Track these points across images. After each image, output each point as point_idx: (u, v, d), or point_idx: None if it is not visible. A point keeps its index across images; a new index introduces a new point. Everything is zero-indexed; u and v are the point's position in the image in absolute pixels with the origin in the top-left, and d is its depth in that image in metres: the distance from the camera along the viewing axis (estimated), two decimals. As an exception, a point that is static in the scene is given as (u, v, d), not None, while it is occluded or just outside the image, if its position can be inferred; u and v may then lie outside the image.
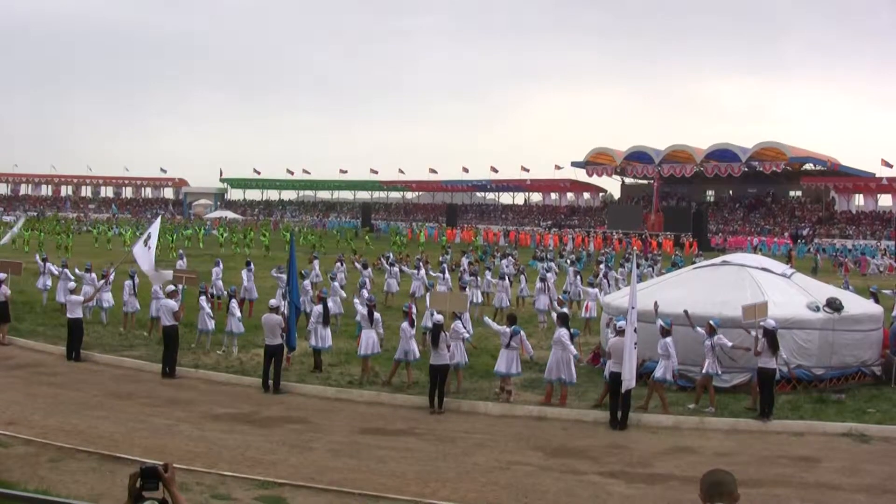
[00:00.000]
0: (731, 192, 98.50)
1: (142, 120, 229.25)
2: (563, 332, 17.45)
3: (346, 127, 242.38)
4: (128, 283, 25.90)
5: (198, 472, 12.38)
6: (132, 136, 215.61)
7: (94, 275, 27.35)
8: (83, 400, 17.44)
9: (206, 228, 79.66)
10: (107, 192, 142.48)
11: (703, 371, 17.21)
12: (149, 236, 24.30)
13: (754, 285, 19.34)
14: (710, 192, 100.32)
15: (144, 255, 24.08)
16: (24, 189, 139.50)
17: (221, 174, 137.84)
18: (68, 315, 21.86)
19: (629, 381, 15.69)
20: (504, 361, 17.74)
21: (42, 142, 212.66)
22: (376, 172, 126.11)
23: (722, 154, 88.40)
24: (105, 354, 21.74)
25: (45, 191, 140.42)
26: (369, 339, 19.57)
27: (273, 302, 20.07)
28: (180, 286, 23.56)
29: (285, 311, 19.66)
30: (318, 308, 20.76)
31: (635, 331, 15.83)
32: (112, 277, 26.49)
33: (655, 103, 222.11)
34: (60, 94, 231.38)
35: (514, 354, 17.79)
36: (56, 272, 29.72)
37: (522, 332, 18.24)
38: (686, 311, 17.86)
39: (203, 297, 22.87)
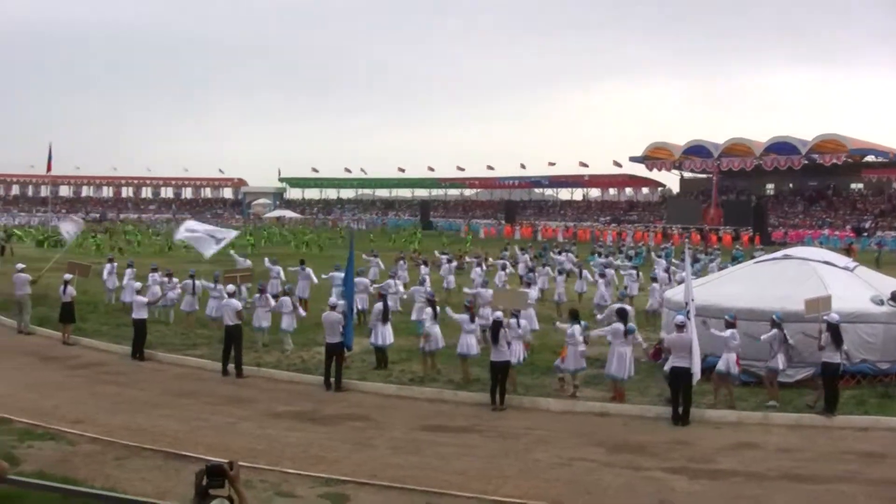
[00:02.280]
0: (791, 185, 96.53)
1: (200, 121, 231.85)
2: (618, 327, 17.47)
3: (403, 125, 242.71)
4: (187, 282, 26.37)
5: (261, 469, 12.56)
6: (191, 137, 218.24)
7: (159, 275, 27.81)
8: (147, 398, 17.78)
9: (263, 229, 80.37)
10: (166, 192, 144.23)
11: (767, 366, 17.07)
12: (219, 240, 24.98)
13: (817, 279, 19.09)
14: (769, 186, 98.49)
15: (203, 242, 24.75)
16: (85, 191, 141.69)
17: (280, 174, 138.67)
18: (133, 315, 22.29)
19: (697, 374, 15.64)
20: (571, 358, 17.73)
21: (103, 144, 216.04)
22: (434, 170, 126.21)
23: (781, 147, 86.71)
24: (168, 353, 22.12)
25: (107, 192, 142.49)
26: (433, 335, 19.70)
27: (333, 300, 20.26)
28: (244, 286, 23.90)
29: (343, 310, 19.83)
30: (379, 305, 20.89)
31: (703, 324, 15.75)
32: (178, 287, 27.06)
33: (713, 97, 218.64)
34: (120, 96, 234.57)
35: (580, 351, 17.81)
36: (108, 271, 30.62)
37: (577, 328, 18.21)
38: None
39: (259, 296, 23.08)
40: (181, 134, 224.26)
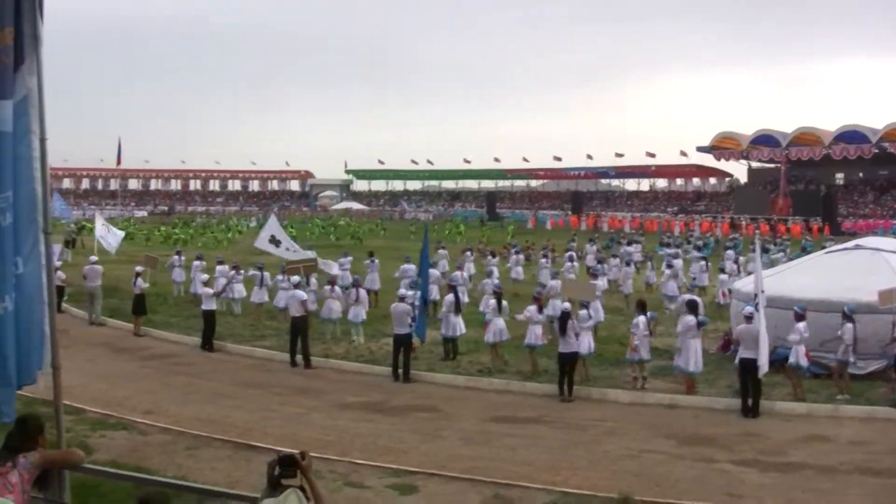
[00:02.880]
0: (861, 174, 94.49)
1: (268, 114, 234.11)
2: (689, 320, 17.26)
3: (469, 116, 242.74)
4: (255, 273, 26.61)
5: (330, 460, 12.59)
6: (258, 130, 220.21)
7: (226, 266, 28.11)
8: (216, 389, 17.98)
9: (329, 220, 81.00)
10: (234, 185, 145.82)
11: (838, 358, 16.75)
12: (272, 237, 25.18)
13: (889, 270, 18.73)
14: (839, 175, 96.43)
15: (273, 249, 25.05)
16: (153, 184, 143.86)
17: (346, 166, 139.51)
18: (202, 307, 22.58)
19: (764, 366, 15.40)
20: (638, 348, 17.60)
21: (171, 138, 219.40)
22: (500, 161, 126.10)
23: (851, 136, 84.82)
24: (237, 345, 22.36)
25: (175, 185, 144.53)
26: (497, 327, 19.63)
27: (402, 292, 20.28)
28: (311, 276, 24.04)
29: (414, 301, 19.83)
30: (450, 297, 20.88)
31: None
32: (241, 275, 27.40)
33: (781, 85, 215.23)
34: (188, 90, 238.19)
35: (646, 341, 17.67)
36: (175, 263, 31.14)
37: (643, 318, 18.06)
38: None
39: (329, 287, 23.23)
40: (249, 127, 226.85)
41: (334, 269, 27.77)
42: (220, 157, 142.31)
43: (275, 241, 27.50)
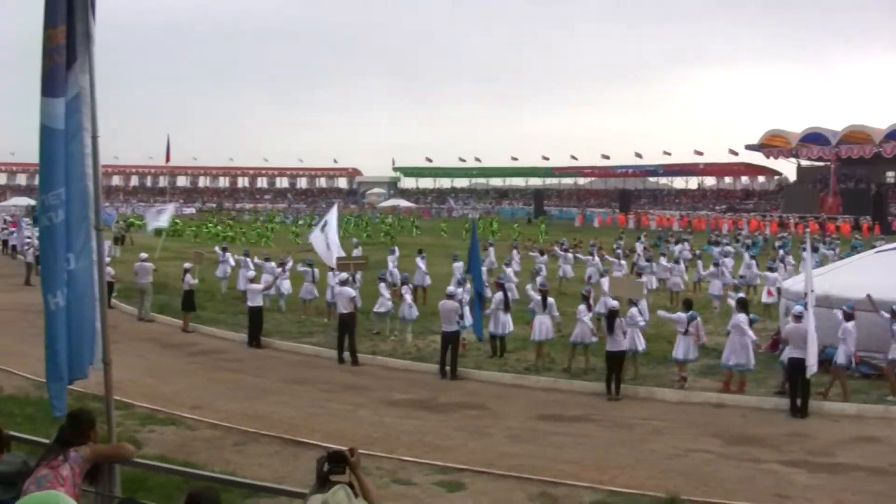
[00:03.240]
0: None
1: (315, 112, 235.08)
2: (740, 318, 17.13)
3: (516, 114, 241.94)
4: (305, 270, 26.75)
5: (377, 456, 12.64)
6: (306, 127, 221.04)
7: (272, 263, 28.29)
8: (264, 385, 18.12)
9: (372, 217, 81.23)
10: (282, 182, 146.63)
11: (890, 358, 16.51)
12: (325, 223, 25.18)
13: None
14: (890, 174, 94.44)
15: (320, 240, 25.04)
16: (202, 181, 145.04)
17: (394, 163, 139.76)
18: (248, 303, 22.74)
19: (812, 366, 15.25)
20: (681, 347, 17.58)
21: (219, 136, 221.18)
22: (548, 159, 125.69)
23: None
24: (284, 341, 22.51)
25: (223, 182, 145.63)
26: (543, 325, 19.60)
27: (450, 289, 20.29)
28: (357, 274, 24.11)
29: (464, 298, 19.85)
30: (499, 294, 20.85)
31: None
32: (289, 265, 27.52)
33: (830, 82, 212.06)
34: (234, 88, 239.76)
35: (691, 340, 17.62)
36: (231, 262, 31.32)
37: (699, 318, 18.00)
38: (869, 296, 17.29)
39: (382, 284, 23.30)
40: (295, 124, 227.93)
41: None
42: (268, 154, 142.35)
43: (323, 230, 27.70)
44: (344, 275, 22.28)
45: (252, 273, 24.85)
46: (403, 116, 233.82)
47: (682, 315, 17.72)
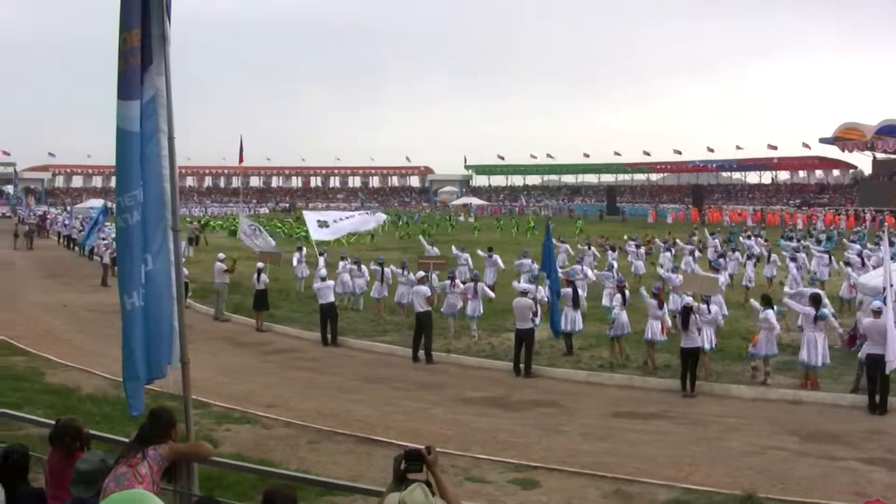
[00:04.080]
0: None
1: (386, 110, 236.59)
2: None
3: (588, 110, 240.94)
4: (375, 269, 26.92)
5: (451, 454, 12.65)
6: (377, 126, 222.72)
7: (347, 262, 28.38)
8: (338, 384, 18.27)
9: (451, 216, 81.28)
10: (354, 182, 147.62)
11: None
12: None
13: None
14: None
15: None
16: (275, 181, 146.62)
17: (466, 161, 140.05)
18: (320, 301, 22.92)
19: (892, 361, 14.95)
20: (763, 343, 17.39)
21: (291, 136, 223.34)
22: (620, 155, 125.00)
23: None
24: (358, 340, 22.70)
25: (296, 182, 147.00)
26: (620, 321, 19.51)
27: (524, 286, 20.30)
28: (432, 273, 24.19)
29: (538, 296, 19.83)
30: (568, 291, 20.82)
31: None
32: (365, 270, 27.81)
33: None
34: (307, 88, 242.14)
35: (771, 336, 17.39)
36: (297, 259, 31.82)
37: (771, 312, 17.73)
38: None
39: (450, 282, 23.32)
40: (368, 124, 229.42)
41: (429, 250, 28.05)
42: (340, 153, 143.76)
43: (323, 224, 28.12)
44: (421, 273, 22.37)
45: (324, 272, 24.91)
46: (475, 113, 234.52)
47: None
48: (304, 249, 32.76)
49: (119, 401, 13.61)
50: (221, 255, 28.71)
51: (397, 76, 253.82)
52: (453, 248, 32.74)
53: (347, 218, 29.21)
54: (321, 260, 29.00)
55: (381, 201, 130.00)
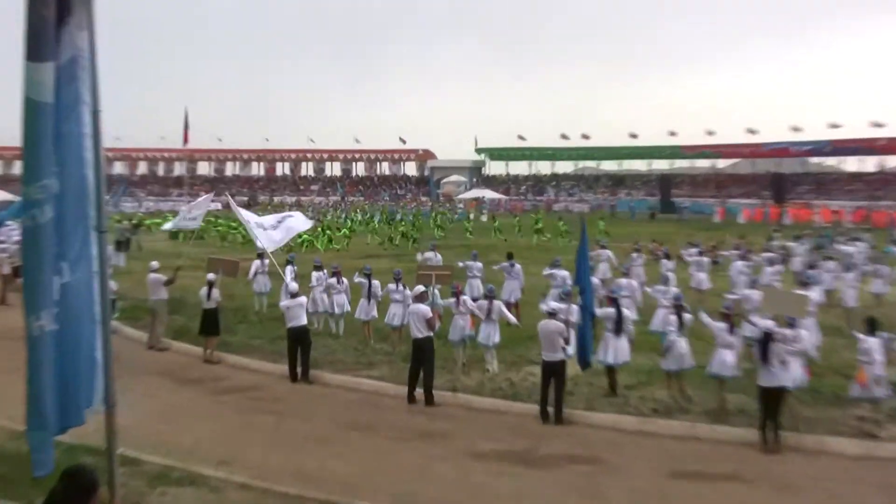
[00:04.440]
0: None
1: (376, 81, 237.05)
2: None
3: (635, 80, 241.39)
4: (361, 281, 26.78)
5: (459, 526, 12.65)
6: (365, 102, 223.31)
7: (323, 272, 28.41)
8: (312, 432, 18.21)
9: (460, 213, 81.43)
10: (333, 169, 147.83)
11: None
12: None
13: None
14: None
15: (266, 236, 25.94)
16: (230, 168, 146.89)
17: (477, 143, 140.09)
18: (288, 324, 22.81)
19: None
20: (869, 381, 17.30)
21: (253, 112, 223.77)
22: (676, 135, 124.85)
23: None
24: (338, 374, 22.61)
25: (257, 169, 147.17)
26: (678, 351, 19.40)
27: (552, 305, 20.11)
28: (433, 287, 24.00)
29: (571, 318, 19.74)
30: (610, 311, 20.72)
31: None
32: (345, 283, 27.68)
33: None
34: (275, 55, 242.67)
35: (882, 371, 17.38)
36: (256, 269, 31.59)
37: (878, 341, 17.69)
38: None
39: (455, 301, 23.05)
40: (353, 96, 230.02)
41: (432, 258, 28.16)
42: (316, 134, 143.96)
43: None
44: (420, 288, 22.07)
45: (294, 285, 24.69)
46: (490, 85, 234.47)
47: (872, 340, 17.41)
48: (267, 260, 32.32)
49: (20, 456, 13.57)
50: (155, 264, 28.32)
51: (393, 42, 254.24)
52: (460, 261, 32.59)
53: (273, 227, 29.29)
54: (289, 270, 28.93)
55: (367, 194, 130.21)
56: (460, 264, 31.70)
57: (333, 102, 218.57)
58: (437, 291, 24.87)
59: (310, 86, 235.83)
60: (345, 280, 27.76)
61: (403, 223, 71.65)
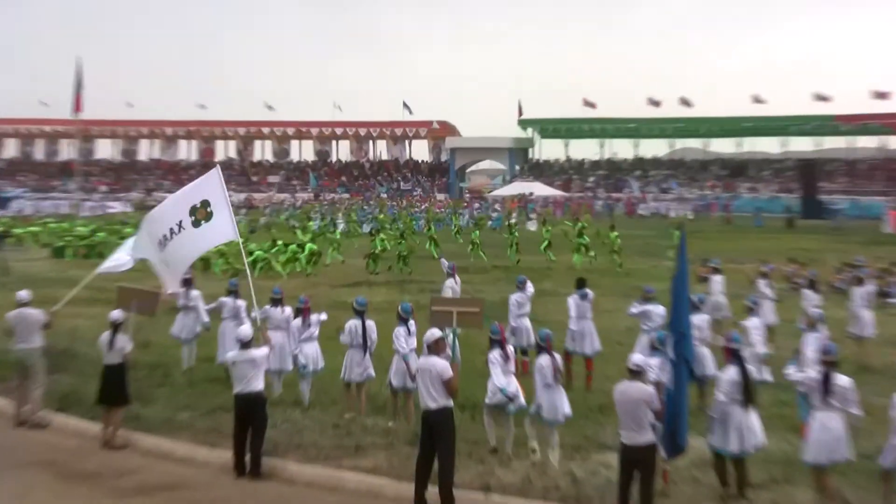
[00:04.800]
0: None
1: (367, 18, 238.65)
2: None
3: (756, 20, 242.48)
4: (351, 325, 26.42)
5: None
6: (350, 47, 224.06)
7: (285, 309, 28.27)
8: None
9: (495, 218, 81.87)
10: (302, 151, 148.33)
11: None
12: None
13: None
14: None
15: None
16: (145, 149, 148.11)
17: (521, 112, 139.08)
18: (236, 388, 22.55)
19: None
20: None
21: (182, 68, 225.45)
22: (826, 100, 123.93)
23: None
24: (308, 465, 22.44)
25: (186, 152, 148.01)
26: (824, 432, 19.08)
27: (637, 358, 19.50)
28: (454, 331, 23.63)
29: (661, 378, 19.44)
30: (732, 372, 20.11)
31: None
32: (321, 317, 27.35)
33: None
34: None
35: None
36: (202, 307, 31.34)
37: None
38: None
39: (495, 354, 22.66)
40: (333, 45, 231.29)
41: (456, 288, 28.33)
42: (276, 100, 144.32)
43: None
44: (435, 333, 21.06)
45: (247, 329, 24.06)
46: (539, 24, 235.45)
47: None
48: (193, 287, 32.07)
49: None
50: (25, 295, 27.40)
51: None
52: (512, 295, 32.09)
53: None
54: (240, 306, 28.74)
55: (357, 188, 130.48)
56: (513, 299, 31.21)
57: (304, 52, 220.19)
58: (457, 338, 24.44)
59: (266, 27, 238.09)
60: (319, 315, 27.50)
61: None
